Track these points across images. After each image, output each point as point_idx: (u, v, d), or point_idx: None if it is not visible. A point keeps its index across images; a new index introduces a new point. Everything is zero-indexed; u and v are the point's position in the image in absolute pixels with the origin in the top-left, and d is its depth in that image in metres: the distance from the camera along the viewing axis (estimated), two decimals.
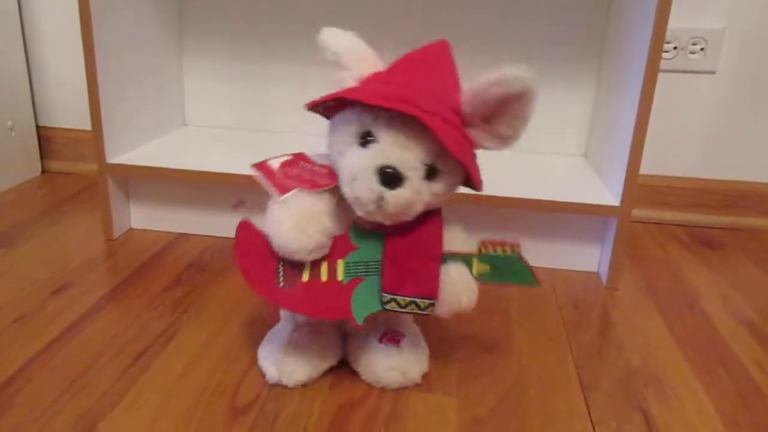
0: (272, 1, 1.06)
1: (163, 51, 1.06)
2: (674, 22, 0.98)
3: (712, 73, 1.06)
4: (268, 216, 0.59)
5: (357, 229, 0.60)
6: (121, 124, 0.95)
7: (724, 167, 1.11)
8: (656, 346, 0.74)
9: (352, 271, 0.59)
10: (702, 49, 1.04)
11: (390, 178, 0.54)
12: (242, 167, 0.91)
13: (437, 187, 0.57)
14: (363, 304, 0.59)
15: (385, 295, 0.58)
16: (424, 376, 0.65)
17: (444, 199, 0.59)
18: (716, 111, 1.08)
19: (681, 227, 1.12)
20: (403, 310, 0.59)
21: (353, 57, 0.59)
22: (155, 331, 0.73)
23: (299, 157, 0.62)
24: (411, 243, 0.58)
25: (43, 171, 1.26)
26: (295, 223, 0.57)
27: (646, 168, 1.10)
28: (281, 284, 0.59)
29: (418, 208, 0.57)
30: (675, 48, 1.04)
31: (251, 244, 0.60)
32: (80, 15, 0.85)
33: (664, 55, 1.04)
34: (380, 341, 0.64)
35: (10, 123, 1.15)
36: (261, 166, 0.61)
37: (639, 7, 0.83)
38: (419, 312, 0.59)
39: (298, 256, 0.58)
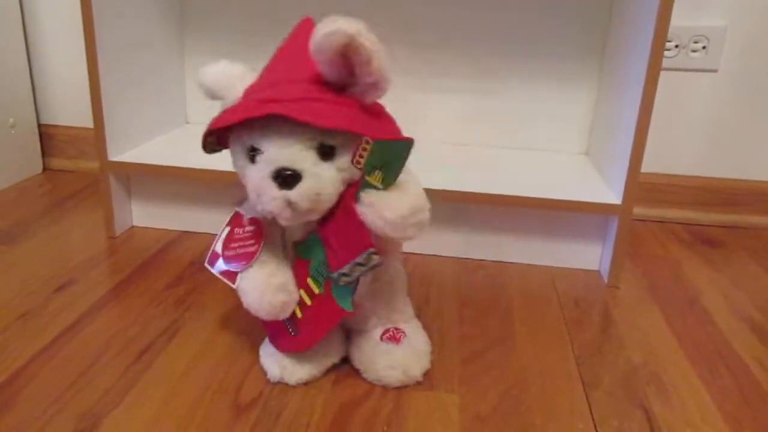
0: (273, 0, 1.07)
1: (164, 49, 1.06)
2: (676, 21, 0.98)
3: (714, 71, 1.06)
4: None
5: (298, 246, 0.62)
6: (123, 122, 0.95)
7: (726, 165, 1.11)
8: (657, 344, 0.74)
9: (319, 278, 0.60)
10: (704, 47, 1.04)
11: (285, 179, 0.54)
12: None
13: (341, 162, 0.56)
14: (341, 294, 0.59)
15: (333, 275, 0.58)
16: (426, 374, 0.65)
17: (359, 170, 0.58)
18: (718, 109, 1.08)
19: (682, 225, 1.12)
20: (351, 277, 0.57)
21: (222, 84, 0.62)
22: (157, 328, 0.73)
23: (235, 223, 0.64)
24: (336, 220, 0.58)
25: (45, 169, 1.26)
26: (256, 300, 0.60)
27: (648, 166, 1.10)
28: (293, 333, 0.62)
29: (333, 191, 0.56)
30: (677, 46, 1.04)
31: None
32: (82, 13, 0.85)
33: (666, 53, 1.04)
34: (381, 339, 0.64)
35: (11, 120, 1.15)
36: (212, 260, 0.63)
37: (641, 6, 0.83)
38: (368, 267, 0.56)
39: (276, 319, 0.61)
